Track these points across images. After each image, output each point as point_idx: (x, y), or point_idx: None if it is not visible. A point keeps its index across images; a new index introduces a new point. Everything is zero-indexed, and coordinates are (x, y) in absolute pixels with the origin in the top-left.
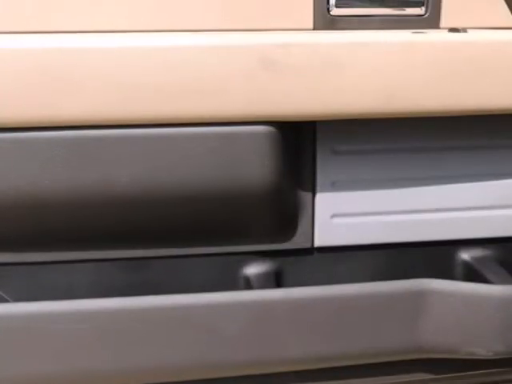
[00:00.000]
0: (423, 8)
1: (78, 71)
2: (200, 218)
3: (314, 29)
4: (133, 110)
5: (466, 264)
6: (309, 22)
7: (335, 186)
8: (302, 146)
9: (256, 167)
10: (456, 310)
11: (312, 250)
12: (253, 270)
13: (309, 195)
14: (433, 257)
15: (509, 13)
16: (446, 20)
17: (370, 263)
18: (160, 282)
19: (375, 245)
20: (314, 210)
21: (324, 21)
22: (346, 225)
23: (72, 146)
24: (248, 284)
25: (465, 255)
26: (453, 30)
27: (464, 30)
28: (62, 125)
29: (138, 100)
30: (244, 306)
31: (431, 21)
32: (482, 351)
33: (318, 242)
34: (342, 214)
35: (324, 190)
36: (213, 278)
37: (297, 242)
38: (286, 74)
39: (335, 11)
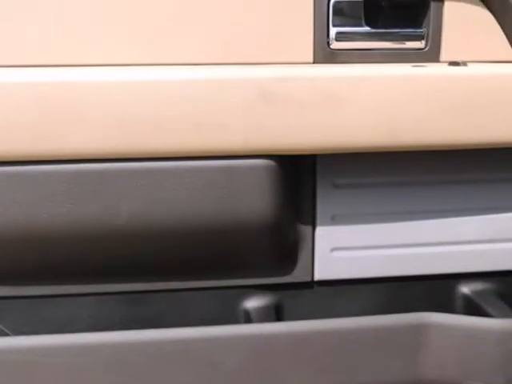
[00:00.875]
0: (423, 41)
1: (77, 105)
2: (200, 252)
3: (313, 62)
4: (133, 144)
5: (466, 297)
6: (309, 55)
7: (335, 220)
8: (302, 179)
9: (255, 201)
10: (456, 343)
11: (312, 284)
12: (252, 303)
13: (309, 229)
14: (433, 290)
15: (509, 46)
16: (446, 53)
17: (370, 296)
18: (160, 315)
19: (375, 278)
20: (313, 244)
21: (324, 54)
22: (346, 258)
23: (72, 179)
24: (248, 318)
25: (465, 289)
26: (453, 63)
27: (464, 63)
28: (62, 158)
29: (138, 133)
30: (244, 340)
31: (431, 54)
32: None
33: (317, 276)
34: (341, 248)
35: (324, 223)
36: (212, 312)
37: (297, 275)
38: (285, 107)
39: (335, 45)
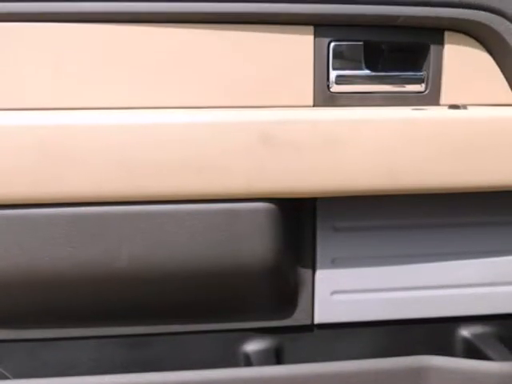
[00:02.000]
0: (423, 85)
1: (78, 148)
2: (200, 295)
3: (314, 105)
4: (133, 187)
5: (466, 340)
6: (309, 98)
7: (335, 263)
8: (303, 222)
9: (256, 244)
10: None
11: (312, 327)
12: (252, 346)
13: (309, 272)
14: (433, 333)
15: (509, 89)
16: (446, 97)
17: (370, 339)
18: (161, 358)
19: (375, 321)
20: (314, 287)
21: (324, 97)
22: (346, 302)
23: (73, 222)
24: (248, 361)
25: (465, 331)
26: (453, 106)
27: (464, 106)
28: (63, 201)
29: (139, 177)
30: (244, 383)
31: (431, 97)
32: None
33: (318, 319)
34: (341, 291)
35: (324, 266)
36: (213, 355)
37: (297, 318)
38: (285, 150)
39: (335, 88)
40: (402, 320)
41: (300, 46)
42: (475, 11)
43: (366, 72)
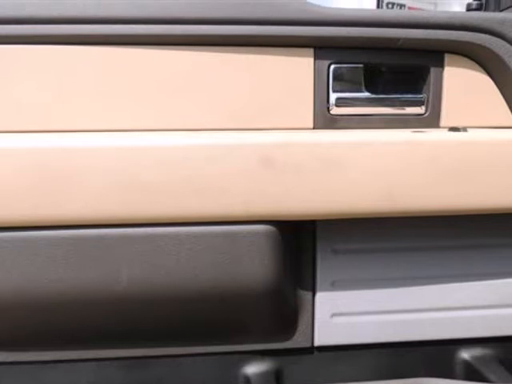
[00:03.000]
0: (423, 107)
1: (77, 170)
2: (199, 317)
3: (314, 128)
4: (132, 210)
5: (466, 363)
6: (309, 120)
7: (335, 286)
8: (303, 244)
9: (256, 266)
10: None
11: (312, 349)
12: (252, 369)
13: (309, 294)
14: (433, 355)
15: (509, 112)
16: (446, 119)
17: (369, 362)
18: (160, 380)
19: (375, 344)
20: (313, 309)
21: (324, 120)
22: (346, 324)
23: (72, 244)
24: (248, 383)
25: (465, 354)
26: (453, 129)
27: (464, 129)
28: (62, 224)
29: (139, 199)
30: None
31: (431, 120)
32: None
33: (317, 341)
34: (341, 314)
35: (324, 289)
36: (213, 377)
37: (297, 340)
38: (285, 173)
39: (335, 110)
40: (402, 342)
41: (300, 68)
42: (475, 34)
43: (366, 94)
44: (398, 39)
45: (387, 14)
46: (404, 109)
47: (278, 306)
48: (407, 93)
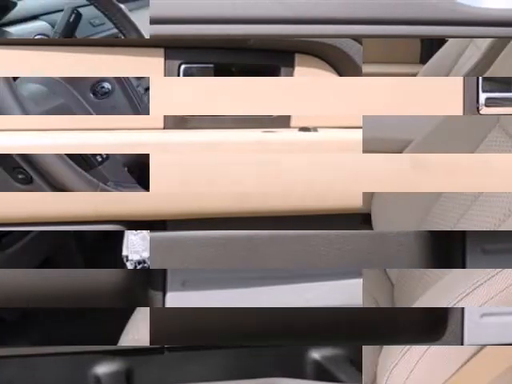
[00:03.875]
0: None
1: None
2: None
3: (164, 128)
4: None
5: (316, 363)
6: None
7: None
8: None
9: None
10: None
11: (163, 349)
12: (104, 368)
13: None
14: (284, 355)
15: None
16: (296, 119)
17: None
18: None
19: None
20: None
21: (175, 121)
22: None
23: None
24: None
25: (316, 354)
26: (303, 129)
27: (315, 129)
28: None
29: None
30: None
31: (282, 120)
32: None
33: None
34: None
35: None
36: (63, 378)
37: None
38: None
39: None
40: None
41: (151, 67)
42: None
43: None
44: (249, 39)
45: None
46: None
47: None
48: None
